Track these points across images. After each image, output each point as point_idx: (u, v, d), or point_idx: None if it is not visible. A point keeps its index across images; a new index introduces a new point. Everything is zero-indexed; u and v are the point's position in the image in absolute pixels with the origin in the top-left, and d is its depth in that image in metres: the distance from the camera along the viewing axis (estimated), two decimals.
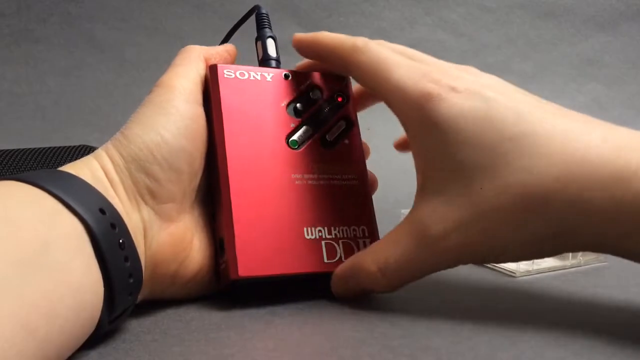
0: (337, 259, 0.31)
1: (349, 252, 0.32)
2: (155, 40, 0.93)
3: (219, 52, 0.34)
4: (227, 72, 0.33)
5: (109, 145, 0.29)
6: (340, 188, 0.33)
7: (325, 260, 0.31)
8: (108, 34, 0.93)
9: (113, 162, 0.28)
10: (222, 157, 0.31)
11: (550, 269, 0.40)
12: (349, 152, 0.34)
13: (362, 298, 0.33)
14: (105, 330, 0.25)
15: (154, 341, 0.26)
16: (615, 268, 0.40)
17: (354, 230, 0.32)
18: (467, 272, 0.40)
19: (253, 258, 0.30)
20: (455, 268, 0.40)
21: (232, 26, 0.37)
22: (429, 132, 0.28)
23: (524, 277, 0.38)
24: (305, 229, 0.31)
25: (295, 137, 0.33)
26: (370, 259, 0.30)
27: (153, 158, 0.29)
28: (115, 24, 0.93)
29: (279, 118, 0.33)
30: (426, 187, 0.29)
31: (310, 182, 0.32)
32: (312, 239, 0.31)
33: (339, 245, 0.32)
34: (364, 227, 0.33)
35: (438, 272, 0.40)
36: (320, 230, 0.32)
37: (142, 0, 0.94)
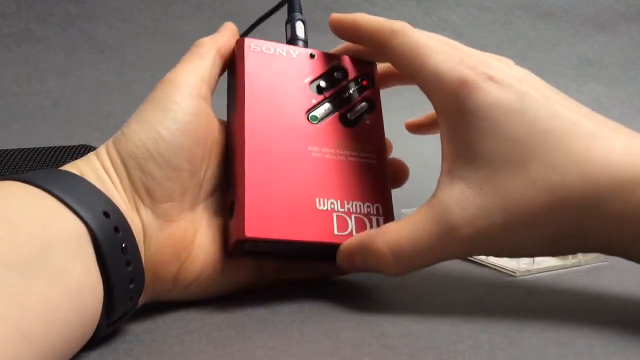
0: (348, 231, 0.31)
1: (361, 227, 0.31)
2: (155, 40, 0.93)
3: (229, 38, 0.34)
4: (253, 46, 0.33)
5: (109, 143, 0.29)
6: (358, 165, 0.33)
7: (336, 232, 0.31)
8: (108, 34, 0.93)
9: (112, 160, 0.28)
10: (240, 123, 0.31)
11: (550, 269, 0.40)
12: (369, 132, 0.34)
13: (362, 297, 0.33)
14: (103, 333, 0.25)
15: (154, 341, 0.26)
16: (616, 267, 0.40)
17: (368, 206, 0.32)
18: (467, 272, 0.40)
19: (261, 221, 0.29)
20: (456, 267, 0.40)
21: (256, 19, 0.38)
22: (463, 119, 0.28)
23: (525, 277, 0.38)
24: (317, 199, 0.31)
25: (315, 112, 0.33)
26: (382, 239, 0.29)
27: (150, 156, 0.28)
28: (115, 24, 0.93)
29: (301, 93, 0.33)
30: (453, 173, 0.29)
31: (327, 155, 0.32)
32: (324, 210, 0.31)
33: (351, 219, 0.31)
34: (379, 205, 0.32)
35: (438, 271, 0.40)
36: (332, 203, 0.31)
37: (142, 0, 0.94)
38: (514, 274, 0.39)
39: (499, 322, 0.29)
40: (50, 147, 0.44)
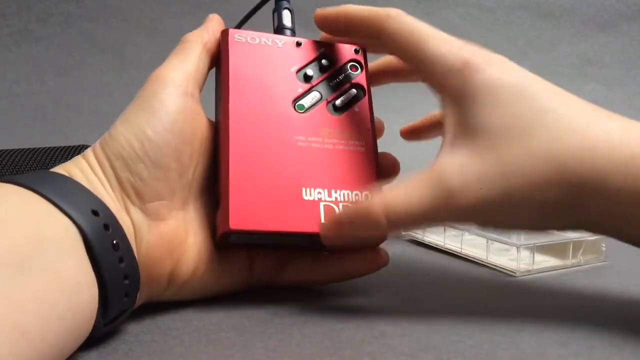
0: None
1: None
2: (155, 40, 0.93)
3: (215, 32, 0.34)
4: (237, 37, 0.33)
5: (96, 144, 0.29)
6: (345, 153, 0.32)
7: (323, 222, 0.30)
8: (108, 34, 0.93)
9: (99, 161, 0.28)
10: (225, 115, 0.31)
11: (550, 269, 0.40)
12: (357, 120, 0.34)
13: (362, 297, 0.33)
14: (101, 332, 0.25)
15: (153, 342, 0.26)
16: (616, 267, 0.40)
17: (356, 195, 0.32)
18: (467, 272, 0.40)
19: (246, 212, 0.29)
20: (456, 267, 0.40)
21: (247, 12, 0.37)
22: (466, 94, 0.29)
23: (524, 277, 0.38)
24: (303, 189, 0.31)
25: (302, 101, 0.33)
26: (377, 200, 0.29)
27: (136, 156, 0.28)
28: (115, 24, 0.93)
29: (287, 82, 0.33)
30: (455, 143, 0.29)
31: (313, 144, 0.32)
32: (310, 200, 0.30)
33: (338, 208, 0.31)
34: (367, 194, 0.32)
35: (438, 271, 0.40)
36: (319, 192, 0.31)
37: (142, 0, 0.94)
38: (513, 274, 0.39)
39: (499, 322, 0.29)
40: (49, 148, 0.44)
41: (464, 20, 1.01)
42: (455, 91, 0.30)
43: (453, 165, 0.28)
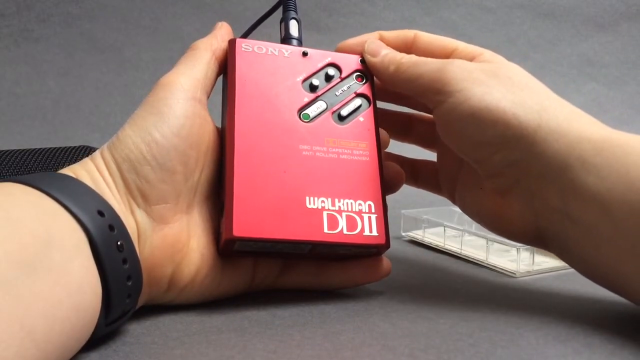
0: (338, 230, 0.31)
1: (352, 225, 0.31)
2: (155, 40, 0.93)
3: (224, 40, 0.34)
4: (244, 46, 0.33)
5: (104, 147, 0.29)
6: (349, 162, 0.33)
7: (326, 231, 0.30)
8: (108, 34, 0.93)
9: (106, 163, 0.28)
10: (230, 123, 0.31)
11: (550, 270, 0.40)
12: (362, 129, 0.34)
13: (361, 299, 0.33)
14: (102, 333, 0.25)
15: (154, 344, 0.26)
16: None
17: (359, 204, 0.32)
18: (467, 272, 0.40)
19: (249, 220, 0.29)
20: (456, 268, 0.40)
21: (254, 20, 0.38)
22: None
23: (524, 278, 0.38)
24: (307, 197, 0.31)
25: (308, 110, 0.33)
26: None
27: (144, 158, 0.28)
28: (115, 24, 0.93)
29: (293, 91, 0.33)
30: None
31: (318, 154, 0.32)
32: (314, 209, 0.31)
33: (342, 217, 0.31)
34: (371, 203, 0.32)
35: (438, 272, 0.40)
36: (323, 201, 0.31)
37: (142, 0, 0.94)
38: (513, 274, 0.39)
39: (498, 321, 0.29)
40: (50, 148, 0.44)
41: (464, 20, 1.01)
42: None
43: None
